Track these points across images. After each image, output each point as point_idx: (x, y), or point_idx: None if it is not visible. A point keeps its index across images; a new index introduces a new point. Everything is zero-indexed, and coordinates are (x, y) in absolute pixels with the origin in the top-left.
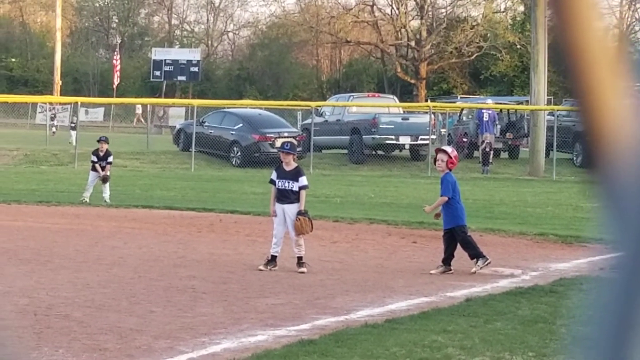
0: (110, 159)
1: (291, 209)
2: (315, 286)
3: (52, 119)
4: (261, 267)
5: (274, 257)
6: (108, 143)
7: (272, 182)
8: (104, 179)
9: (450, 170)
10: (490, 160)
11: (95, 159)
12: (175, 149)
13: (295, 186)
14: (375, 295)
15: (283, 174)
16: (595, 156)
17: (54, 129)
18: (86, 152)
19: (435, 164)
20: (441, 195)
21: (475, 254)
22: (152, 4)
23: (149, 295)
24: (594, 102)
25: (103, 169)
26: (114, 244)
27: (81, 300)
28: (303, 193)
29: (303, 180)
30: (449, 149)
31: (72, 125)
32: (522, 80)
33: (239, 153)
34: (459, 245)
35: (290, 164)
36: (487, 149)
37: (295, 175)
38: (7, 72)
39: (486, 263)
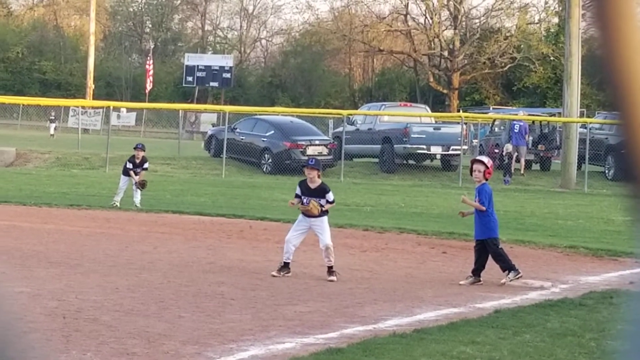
0: (145, 165)
1: (317, 222)
2: (344, 295)
3: (52, 121)
4: (274, 274)
5: (286, 264)
6: (144, 151)
7: (298, 197)
8: (142, 185)
9: (486, 180)
10: (512, 171)
11: (130, 165)
12: (207, 154)
13: (322, 202)
14: (403, 305)
15: (308, 192)
16: (633, 169)
17: (52, 131)
18: (117, 156)
19: (471, 174)
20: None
21: (506, 266)
22: (185, 9)
23: (177, 300)
24: (633, 114)
25: (137, 175)
26: (144, 248)
27: (110, 304)
28: (332, 205)
29: (330, 196)
30: (485, 159)
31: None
32: (554, 92)
33: (270, 160)
34: (489, 257)
35: (314, 180)
36: (507, 160)
37: (320, 192)
38: (41, 75)
39: (517, 276)
